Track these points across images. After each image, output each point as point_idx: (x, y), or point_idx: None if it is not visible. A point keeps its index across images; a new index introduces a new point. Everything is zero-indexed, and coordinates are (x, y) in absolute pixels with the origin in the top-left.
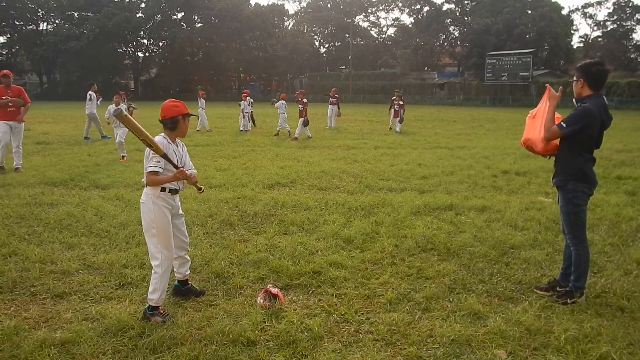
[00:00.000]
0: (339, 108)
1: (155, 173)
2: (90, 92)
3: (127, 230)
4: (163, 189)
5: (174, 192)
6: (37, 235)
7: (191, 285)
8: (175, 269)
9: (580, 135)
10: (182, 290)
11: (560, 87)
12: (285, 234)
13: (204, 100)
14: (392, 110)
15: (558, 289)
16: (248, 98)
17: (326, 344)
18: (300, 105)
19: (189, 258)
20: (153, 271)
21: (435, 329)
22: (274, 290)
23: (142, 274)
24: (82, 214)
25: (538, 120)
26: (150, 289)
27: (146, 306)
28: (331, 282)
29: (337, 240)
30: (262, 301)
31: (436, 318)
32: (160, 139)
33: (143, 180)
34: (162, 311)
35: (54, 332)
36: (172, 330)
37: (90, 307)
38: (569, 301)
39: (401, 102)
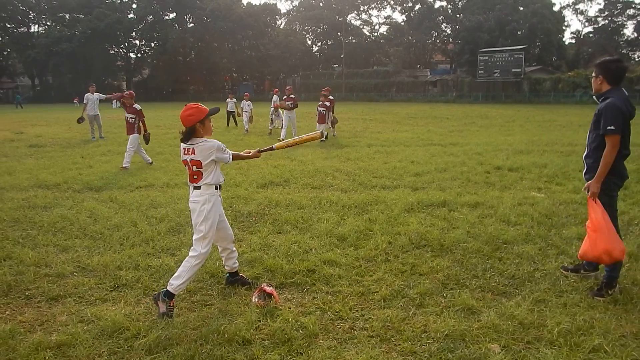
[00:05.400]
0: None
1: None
2: (87, 94)
3: (121, 232)
4: (216, 188)
5: (220, 188)
6: (31, 239)
7: (241, 276)
8: (223, 263)
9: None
10: (231, 280)
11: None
12: (279, 232)
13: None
14: (317, 115)
15: (582, 271)
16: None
17: (321, 341)
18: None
19: (235, 249)
20: (188, 261)
21: (429, 325)
22: (269, 289)
23: (136, 276)
24: (75, 216)
25: (603, 229)
26: (175, 274)
27: (163, 290)
28: (325, 280)
29: (331, 238)
30: (256, 300)
31: (430, 314)
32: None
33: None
34: (173, 304)
35: (50, 335)
36: (167, 331)
37: (85, 309)
38: (609, 292)
39: (327, 103)
